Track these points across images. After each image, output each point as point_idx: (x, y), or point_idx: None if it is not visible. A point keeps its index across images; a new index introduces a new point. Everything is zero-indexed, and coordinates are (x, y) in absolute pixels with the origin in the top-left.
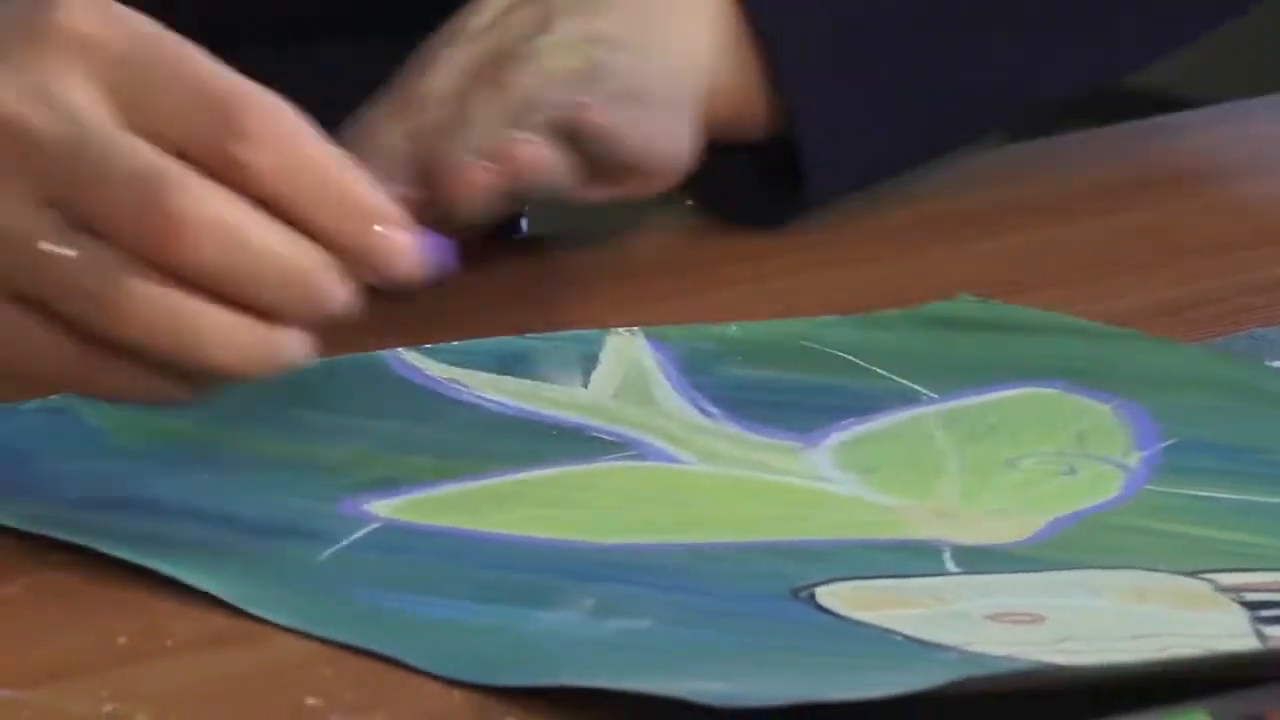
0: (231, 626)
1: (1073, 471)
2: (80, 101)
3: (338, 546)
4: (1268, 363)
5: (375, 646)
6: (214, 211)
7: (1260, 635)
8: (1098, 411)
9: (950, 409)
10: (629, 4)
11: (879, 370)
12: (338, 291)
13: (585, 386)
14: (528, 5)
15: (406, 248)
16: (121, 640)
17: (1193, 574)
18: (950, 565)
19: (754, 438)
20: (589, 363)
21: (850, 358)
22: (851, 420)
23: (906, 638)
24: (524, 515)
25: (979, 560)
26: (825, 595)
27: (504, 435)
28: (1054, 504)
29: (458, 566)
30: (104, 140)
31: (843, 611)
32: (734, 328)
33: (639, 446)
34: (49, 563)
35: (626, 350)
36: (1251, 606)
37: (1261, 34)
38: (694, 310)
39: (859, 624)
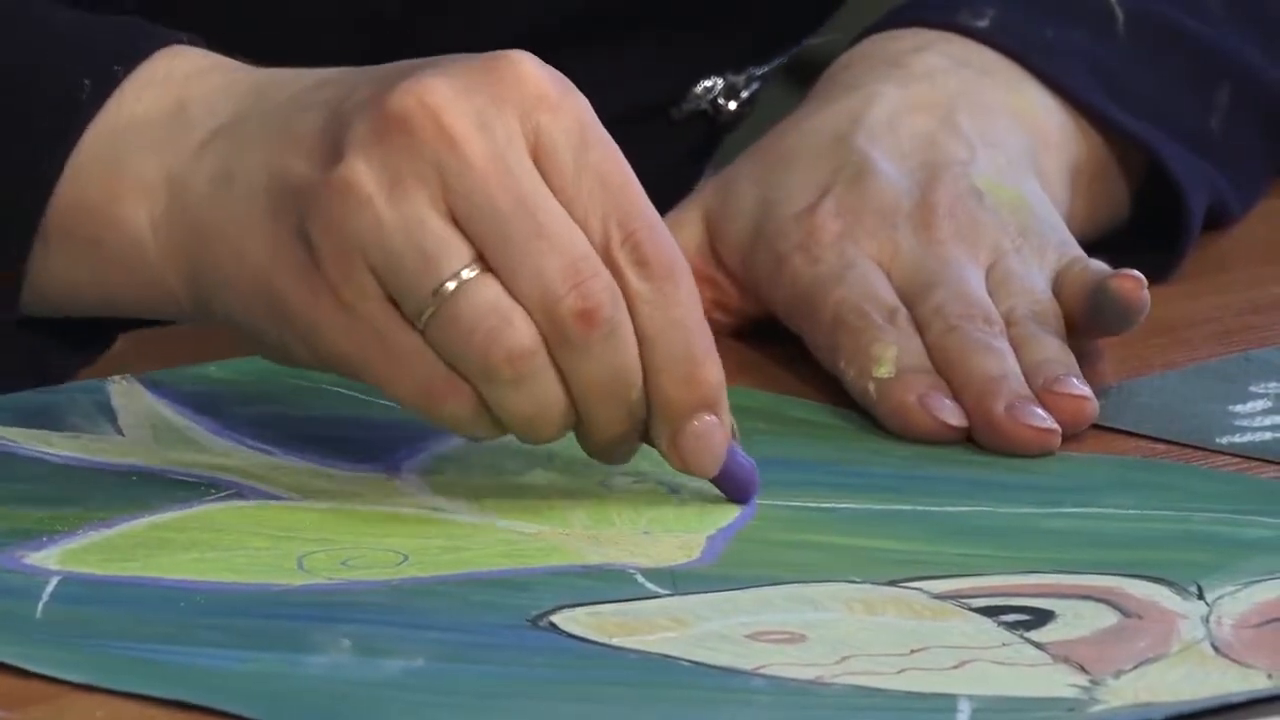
0: None
1: (676, 490)
2: (518, 148)
3: (43, 600)
4: (1259, 385)
5: (187, 698)
6: (620, 319)
7: (1031, 642)
8: None
9: None
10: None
11: (362, 395)
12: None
13: (122, 434)
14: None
15: (717, 447)
16: None
17: (892, 583)
18: (652, 587)
19: (333, 470)
20: (107, 411)
21: (337, 389)
22: (406, 449)
23: (695, 664)
24: (189, 560)
25: (675, 581)
26: (566, 622)
27: (93, 486)
28: (694, 524)
29: (185, 616)
30: (547, 209)
31: (599, 638)
32: (212, 368)
33: (232, 486)
34: None
35: (133, 397)
36: (985, 613)
37: None
38: None
39: (633, 650)
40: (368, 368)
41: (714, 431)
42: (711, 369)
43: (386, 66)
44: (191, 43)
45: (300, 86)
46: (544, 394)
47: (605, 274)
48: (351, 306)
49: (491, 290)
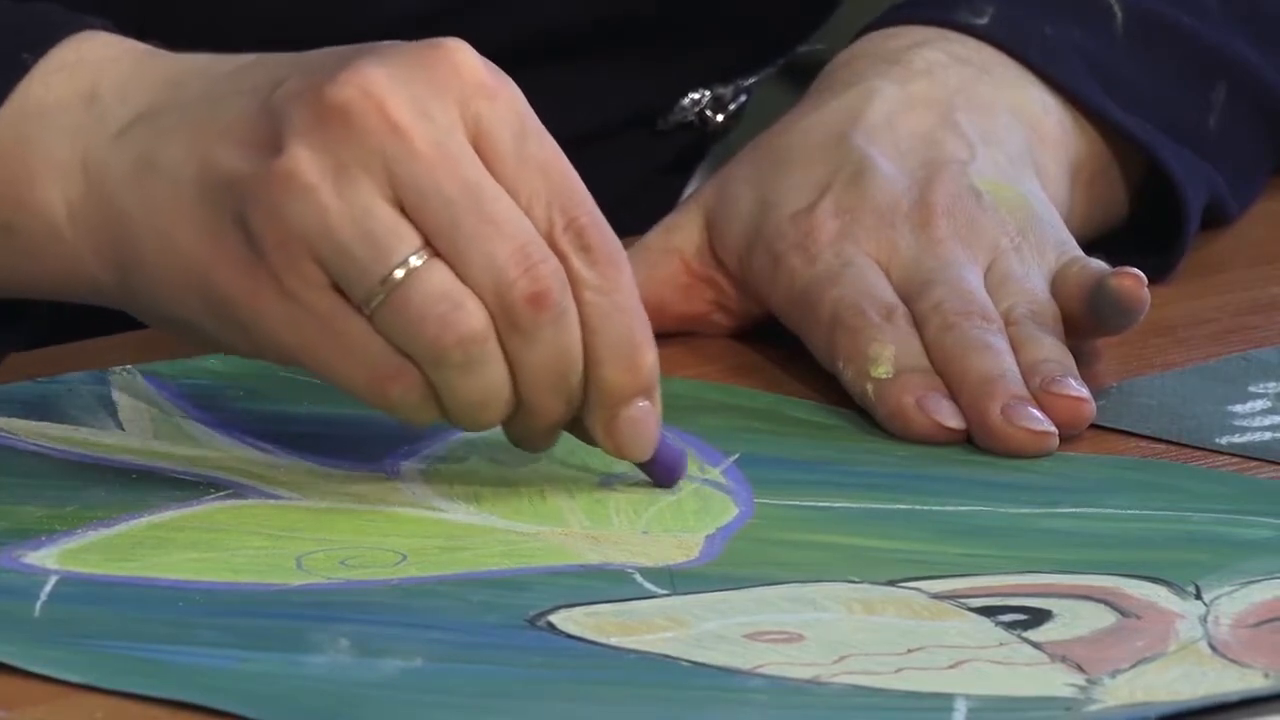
0: None
1: (673, 491)
2: (459, 135)
3: (41, 600)
4: (1258, 385)
5: (187, 698)
6: (567, 304)
7: (1028, 641)
8: None
9: (481, 434)
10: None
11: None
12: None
13: (122, 428)
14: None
15: (652, 432)
16: None
17: (890, 583)
18: (650, 587)
19: (333, 470)
20: (107, 404)
21: None
22: (405, 448)
23: (693, 664)
24: (187, 560)
25: (674, 581)
26: (564, 622)
27: (93, 483)
28: (692, 523)
29: (184, 615)
30: (493, 195)
31: (597, 638)
32: (212, 360)
33: (231, 485)
34: None
35: (134, 389)
36: (983, 613)
37: None
38: None
39: (631, 651)
40: (313, 356)
41: (649, 417)
42: (650, 355)
43: (313, 54)
44: (104, 28)
45: (217, 74)
46: (492, 379)
47: (553, 259)
48: (295, 295)
49: (441, 276)
